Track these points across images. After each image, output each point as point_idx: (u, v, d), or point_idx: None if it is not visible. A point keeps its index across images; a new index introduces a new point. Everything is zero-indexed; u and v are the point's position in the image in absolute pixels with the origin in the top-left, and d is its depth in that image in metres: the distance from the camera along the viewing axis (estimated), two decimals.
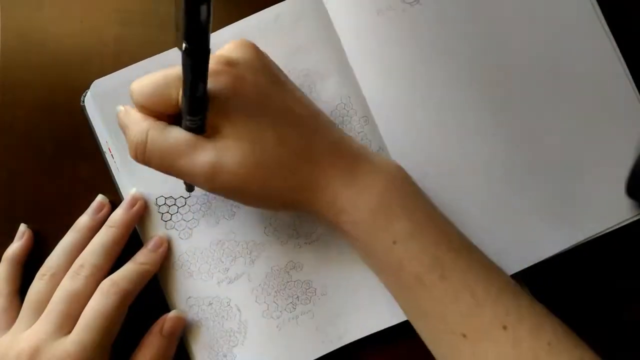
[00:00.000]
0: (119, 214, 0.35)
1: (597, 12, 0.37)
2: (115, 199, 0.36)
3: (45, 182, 0.37)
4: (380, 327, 0.36)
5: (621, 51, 0.37)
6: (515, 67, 0.36)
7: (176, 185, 0.36)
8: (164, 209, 0.36)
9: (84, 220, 0.36)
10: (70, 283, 0.33)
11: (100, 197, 0.37)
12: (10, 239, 0.36)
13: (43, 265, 0.34)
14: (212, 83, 0.29)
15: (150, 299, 0.35)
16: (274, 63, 0.33)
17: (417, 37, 0.36)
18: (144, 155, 0.30)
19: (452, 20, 0.36)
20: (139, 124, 0.30)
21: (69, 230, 0.35)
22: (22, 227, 0.37)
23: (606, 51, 0.37)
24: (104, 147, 0.36)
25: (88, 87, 0.36)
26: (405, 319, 0.34)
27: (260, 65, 0.31)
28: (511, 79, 0.36)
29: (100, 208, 0.36)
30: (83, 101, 0.36)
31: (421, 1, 0.36)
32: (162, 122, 0.31)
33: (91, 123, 0.36)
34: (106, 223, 0.35)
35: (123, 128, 0.32)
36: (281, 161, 0.30)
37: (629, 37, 0.37)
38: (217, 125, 0.30)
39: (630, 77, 0.37)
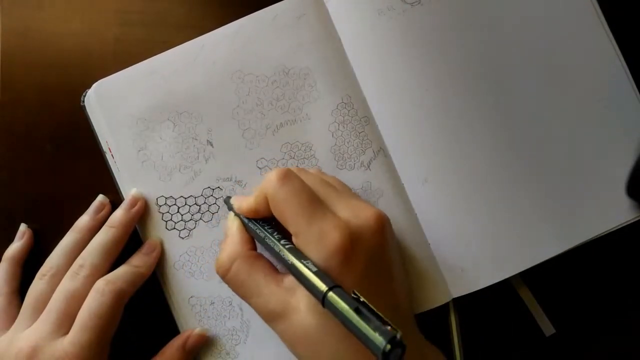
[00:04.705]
0: (119, 214, 0.35)
1: (597, 12, 0.37)
2: (115, 199, 0.36)
3: (45, 182, 0.37)
4: None
5: (621, 51, 0.37)
6: (516, 67, 0.36)
7: (176, 185, 0.36)
8: (164, 209, 0.36)
9: (84, 220, 0.36)
10: (69, 283, 0.33)
11: (100, 197, 0.37)
12: (10, 239, 0.37)
13: (43, 265, 0.34)
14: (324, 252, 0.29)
15: (150, 299, 0.35)
16: (393, 243, 0.32)
17: (418, 38, 0.36)
18: (224, 279, 0.32)
19: (453, 20, 0.36)
20: (231, 247, 0.32)
21: (69, 231, 0.35)
22: (22, 227, 0.37)
23: (606, 51, 0.37)
24: (104, 147, 0.36)
25: (88, 87, 0.36)
26: None
27: (379, 253, 0.30)
28: (511, 79, 0.36)
29: (100, 208, 0.36)
30: (83, 101, 0.36)
31: (422, 1, 0.36)
32: (252, 255, 0.32)
33: (91, 123, 0.36)
34: (106, 223, 0.35)
35: (225, 233, 0.33)
36: None
37: (629, 37, 0.37)
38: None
39: (630, 77, 0.37)
